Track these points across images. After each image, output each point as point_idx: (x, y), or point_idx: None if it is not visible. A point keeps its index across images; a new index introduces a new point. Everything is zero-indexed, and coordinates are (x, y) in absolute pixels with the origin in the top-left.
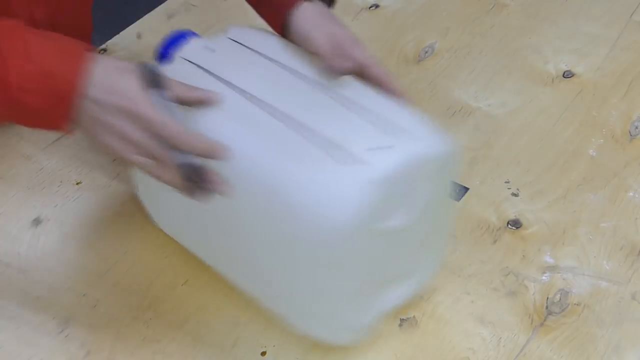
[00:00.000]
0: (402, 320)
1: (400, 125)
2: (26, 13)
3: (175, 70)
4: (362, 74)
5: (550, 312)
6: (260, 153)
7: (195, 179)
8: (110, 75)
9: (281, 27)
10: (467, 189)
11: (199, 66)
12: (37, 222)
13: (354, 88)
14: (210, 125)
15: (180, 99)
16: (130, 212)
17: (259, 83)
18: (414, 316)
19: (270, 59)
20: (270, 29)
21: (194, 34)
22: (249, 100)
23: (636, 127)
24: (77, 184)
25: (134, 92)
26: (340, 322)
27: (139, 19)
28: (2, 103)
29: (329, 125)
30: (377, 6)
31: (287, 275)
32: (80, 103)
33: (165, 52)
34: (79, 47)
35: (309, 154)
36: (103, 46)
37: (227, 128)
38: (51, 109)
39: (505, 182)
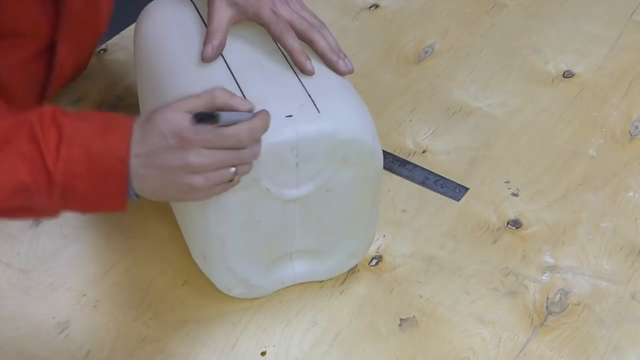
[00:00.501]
0: (402, 320)
1: (322, 103)
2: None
3: (175, 5)
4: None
5: (550, 312)
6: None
7: None
8: (144, 128)
9: None
10: (467, 189)
11: (196, 7)
12: (37, 222)
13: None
14: (171, 60)
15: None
16: (130, 212)
17: (234, 36)
18: (414, 316)
19: None
20: None
21: None
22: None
23: (636, 127)
24: None
25: (176, 125)
26: (230, 271)
27: None
28: (51, 193)
29: (265, 86)
30: (377, 6)
31: (186, 212)
32: (134, 170)
33: None
34: (113, 120)
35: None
36: (103, 46)
37: (183, 68)
38: (103, 188)
39: (505, 182)
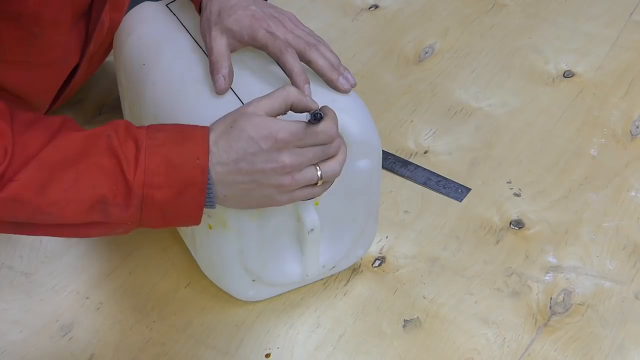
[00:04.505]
0: (405, 321)
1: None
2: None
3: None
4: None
5: (554, 312)
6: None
7: None
8: (229, 135)
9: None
10: (469, 190)
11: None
12: None
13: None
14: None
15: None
16: None
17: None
18: (417, 317)
19: None
20: None
21: None
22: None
23: (637, 127)
24: None
25: (268, 129)
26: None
27: None
28: (128, 205)
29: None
30: (377, 7)
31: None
32: (219, 178)
33: None
34: (189, 129)
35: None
36: None
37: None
38: (182, 198)
39: (507, 182)
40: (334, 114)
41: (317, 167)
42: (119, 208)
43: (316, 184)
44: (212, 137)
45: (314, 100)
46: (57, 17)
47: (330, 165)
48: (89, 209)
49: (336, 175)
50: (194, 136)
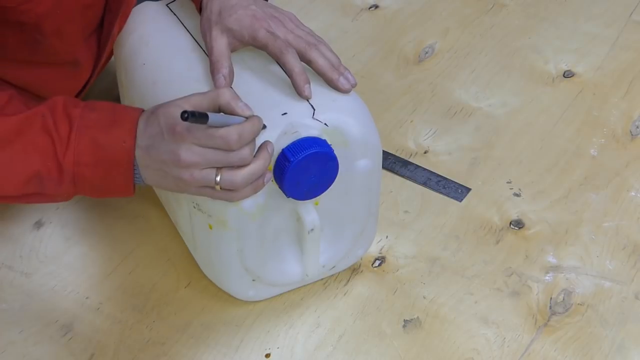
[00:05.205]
0: (405, 321)
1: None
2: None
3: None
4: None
5: (554, 312)
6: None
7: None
8: (148, 120)
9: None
10: (469, 190)
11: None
12: (38, 224)
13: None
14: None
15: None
16: (132, 214)
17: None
18: (417, 317)
19: None
20: None
21: None
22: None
23: (637, 127)
24: None
25: (172, 120)
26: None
27: None
28: (62, 180)
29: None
30: (376, 7)
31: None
32: (138, 161)
33: None
34: (121, 111)
35: None
36: None
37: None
38: (109, 176)
39: (507, 182)
40: (253, 127)
41: (217, 172)
42: (54, 183)
43: (214, 187)
44: (140, 121)
45: (247, 107)
46: (61, 29)
47: (231, 175)
48: (26, 183)
49: (235, 186)
50: (124, 119)
